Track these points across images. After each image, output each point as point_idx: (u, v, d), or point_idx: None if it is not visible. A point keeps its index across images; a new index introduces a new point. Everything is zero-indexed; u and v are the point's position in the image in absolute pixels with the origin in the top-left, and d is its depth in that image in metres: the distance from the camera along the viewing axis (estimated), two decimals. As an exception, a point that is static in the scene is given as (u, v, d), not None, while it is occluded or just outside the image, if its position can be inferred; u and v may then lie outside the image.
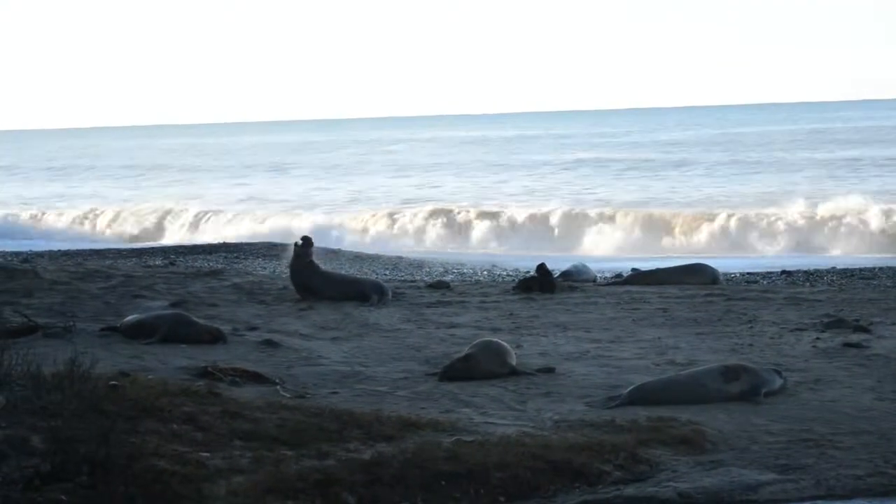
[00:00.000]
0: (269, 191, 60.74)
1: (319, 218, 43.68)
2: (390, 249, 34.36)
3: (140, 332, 15.17)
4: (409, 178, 65.84)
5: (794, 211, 37.79)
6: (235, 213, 46.55)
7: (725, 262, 27.03)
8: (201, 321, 15.60)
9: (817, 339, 15.07)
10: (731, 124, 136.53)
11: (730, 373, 11.82)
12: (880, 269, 25.23)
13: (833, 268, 25.85)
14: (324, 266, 21.05)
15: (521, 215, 41.47)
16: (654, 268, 23.92)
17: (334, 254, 29.85)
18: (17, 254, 31.33)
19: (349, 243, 36.33)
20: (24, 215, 49.89)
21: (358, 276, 23.10)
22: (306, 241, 19.85)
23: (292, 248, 20.03)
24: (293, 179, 69.98)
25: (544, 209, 41.89)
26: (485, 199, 49.77)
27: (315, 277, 19.57)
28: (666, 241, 37.13)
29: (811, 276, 24.35)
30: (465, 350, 13.50)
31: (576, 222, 39.69)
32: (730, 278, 23.66)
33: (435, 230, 40.84)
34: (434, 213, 42.85)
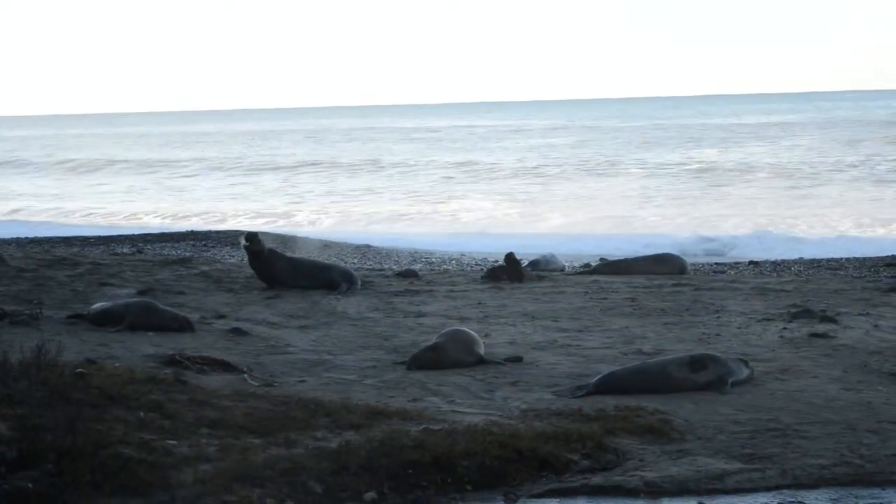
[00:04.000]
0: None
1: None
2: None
3: (107, 320, 15.13)
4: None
5: None
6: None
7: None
8: (169, 309, 15.56)
9: (784, 329, 15.13)
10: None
11: (697, 362, 11.85)
12: (847, 259, 25.33)
13: (800, 258, 25.94)
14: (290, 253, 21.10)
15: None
16: (622, 257, 23.95)
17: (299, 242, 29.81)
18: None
19: (319, 230, 36.27)
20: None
21: (327, 262, 22.91)
22: (250, 236, 19.79)
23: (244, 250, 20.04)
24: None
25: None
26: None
27: (279, 266, 19.50)
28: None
29: (778, 266, 24.43)
30: (433, 339, 13.51)
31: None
32: (697, 268, 23.72)
33: None
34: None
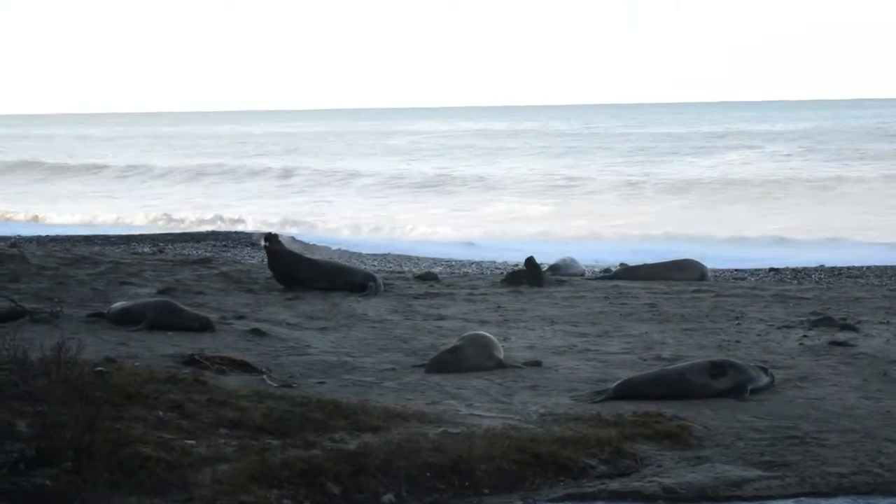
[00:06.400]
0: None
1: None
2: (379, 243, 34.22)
3: (127, 319, 15.16)
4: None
5: None
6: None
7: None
8: (188, 309, 15.58)
9: (804, 336, 15.09)
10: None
11: (716, 369, 11.82)
12: (868, 267, 25.23)
13: (821, 266, 25.85)
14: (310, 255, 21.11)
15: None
16: (642, 263, 23.91)
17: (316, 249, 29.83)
18: (4, 238, 31.24)
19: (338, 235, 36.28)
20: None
21: (348, 265, 22.84)
22: (270, 236, 19.83)
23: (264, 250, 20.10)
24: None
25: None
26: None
27: (298, 267, 19.54)
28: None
29: (799, 273, 24.36)
30: (453, 342, 13.50)
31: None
32: (718, 274, 23.67)
33: None
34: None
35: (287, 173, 63.76)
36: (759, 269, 25.28)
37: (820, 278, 23.37)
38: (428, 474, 8.78)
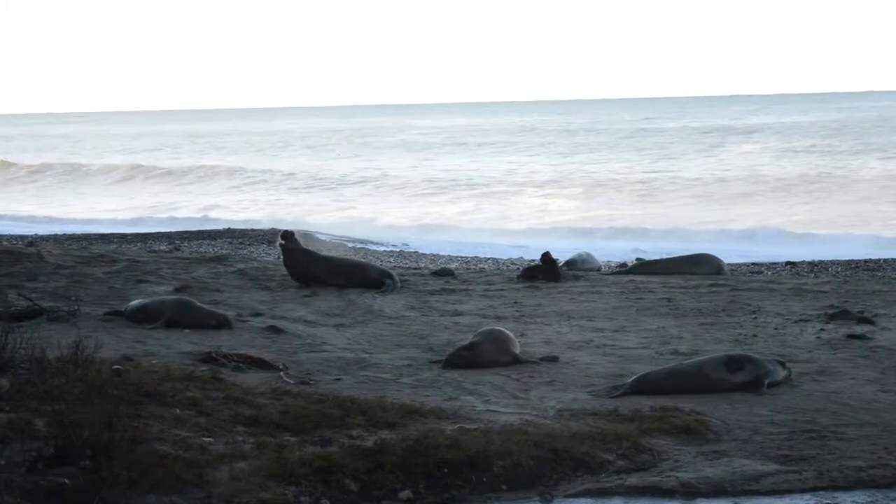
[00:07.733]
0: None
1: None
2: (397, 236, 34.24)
3: (144, 317, 15.18)
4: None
5: None
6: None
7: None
8: (205, 306, 15.61)
9: (821, 330, 15.06)
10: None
11: (734, 363, 11.80)
12: (885, 260, 25.17)
13: (837, 259, 25.79)
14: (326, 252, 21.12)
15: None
16: (658, 257, 23.88)
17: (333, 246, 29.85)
18: (22, 237, 31.35)
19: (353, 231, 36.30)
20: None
21: (363, 261, 22.86)
22: (287, 234, 19.85)
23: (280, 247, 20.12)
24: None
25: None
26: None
27: (314, 265, 19.55)
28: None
29: (815, 266, 24.30)
30: (469, 338, 13.49)
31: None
32: (734, 268, 23.62)
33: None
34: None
35: (305, 170, 63.79)
36: (775, 263, 25.24)
37: (836, 271, 23.32)
38: (445, 470, 8.78)
